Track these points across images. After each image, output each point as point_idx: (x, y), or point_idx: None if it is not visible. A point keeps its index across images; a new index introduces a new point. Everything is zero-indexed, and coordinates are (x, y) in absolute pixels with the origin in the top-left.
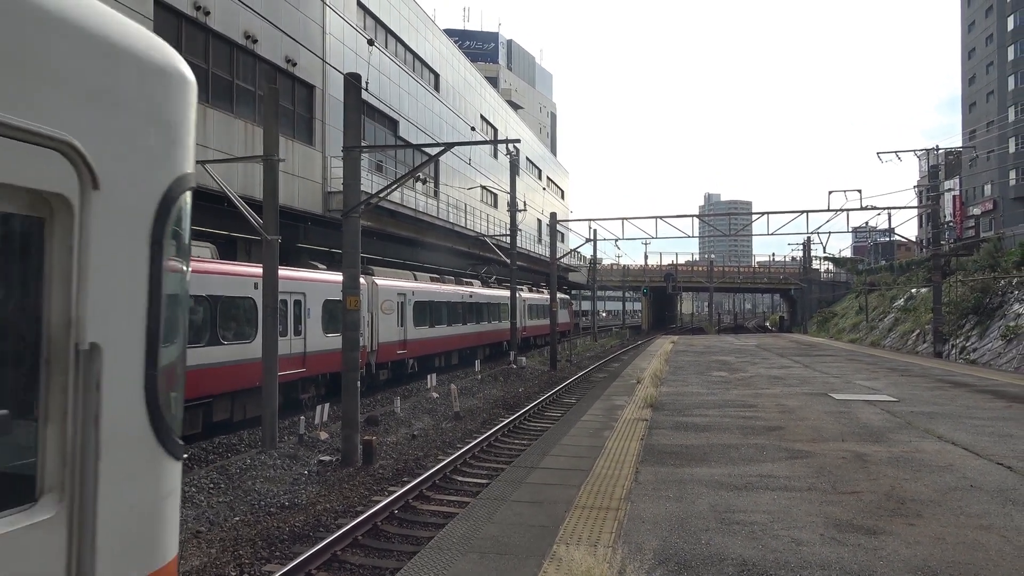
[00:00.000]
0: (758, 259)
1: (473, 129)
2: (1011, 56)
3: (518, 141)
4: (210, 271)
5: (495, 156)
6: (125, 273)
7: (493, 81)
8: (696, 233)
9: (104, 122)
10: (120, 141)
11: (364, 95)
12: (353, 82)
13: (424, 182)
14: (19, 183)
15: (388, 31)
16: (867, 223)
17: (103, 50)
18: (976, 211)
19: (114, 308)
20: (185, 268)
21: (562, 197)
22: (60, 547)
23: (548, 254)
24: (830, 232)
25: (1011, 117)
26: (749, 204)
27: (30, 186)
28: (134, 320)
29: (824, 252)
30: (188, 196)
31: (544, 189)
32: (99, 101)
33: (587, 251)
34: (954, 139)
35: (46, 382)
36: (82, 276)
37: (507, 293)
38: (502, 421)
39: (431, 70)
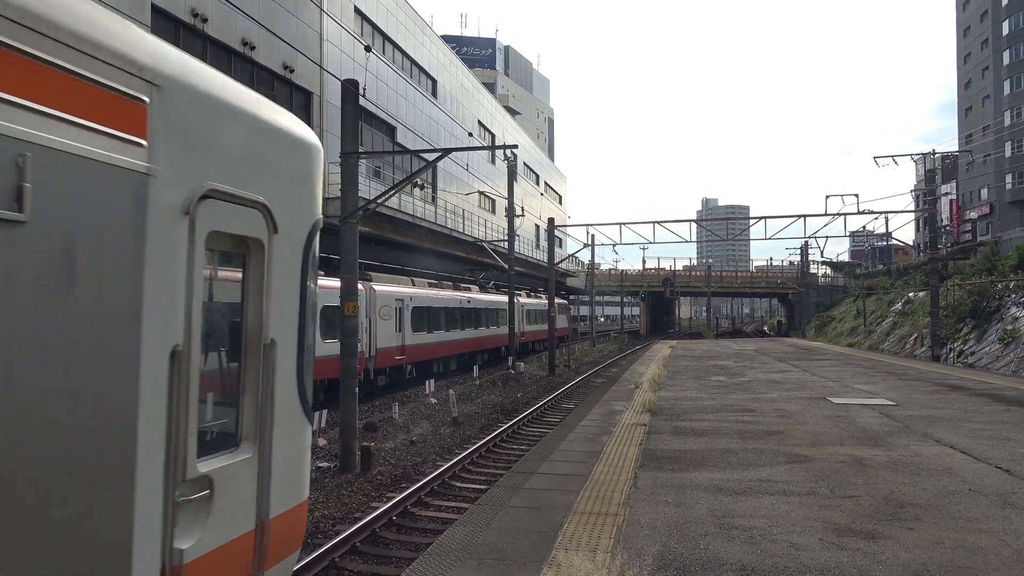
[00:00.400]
0: (756, 264)
1: (471, 135)
2: (1006, 60)
3: (516, 147)
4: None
5: (493, 162)
6: (288, 290)
7: (490, 87)
8: (694, 238)
9: (279, 187)
10: (286, 199)
11: (362, 101)
12: (351, 88)
13: (422, 188)
14: (238, 232)
15: (385, 37)
16: (864, 227)
17: (282, 140)
18: (973, 215)
19: (282, 314)
20: (314, 285)
21: (560, 202)
22: (253, 478)
23: (546, 259)
24: (828, 236)
25: (1007, 121)
26: (747, 208)
27: (243, 234)
28: (291, 323)
29: (822, 256)
30: (319, 233)
31: (542, 195)
32: (277, 173)
33: (585, 256)
34: (949, 144)
35: (245, 366)
36: (267, 293)
37: (505, 298)
38: (501, 426)
39: (428, 76)
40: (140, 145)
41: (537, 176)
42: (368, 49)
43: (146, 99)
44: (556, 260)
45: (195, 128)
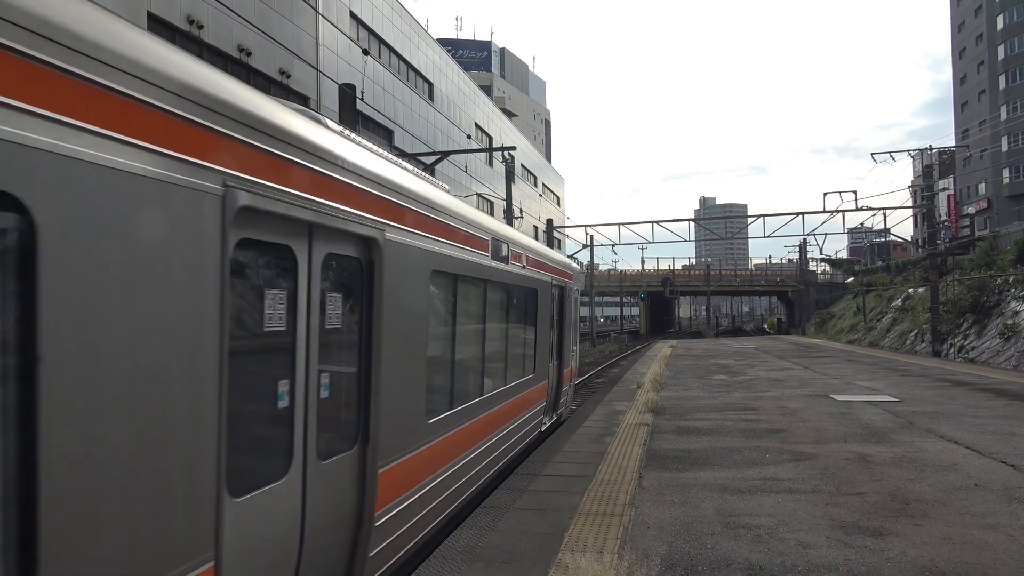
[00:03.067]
0: (755, 262)
1: (469, 137)
2: (1002, 55)
3: (513, 148)
4: None
5: (490, 164)
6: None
7: (487, 89)
8: (692, 237)
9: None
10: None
11: (359, 105)
12: (348, 92)
13: None
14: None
15: (382, 42)
16: (863, 224)
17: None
18: (971, 210)
19: (556, 320)
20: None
21: (558, 204)
22: (560, 362)
23: None
24: (826, 233)
25: (1003, 116)
26: (744, 207)
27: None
28: (557, 325)
29: (821, 254)
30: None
31: (540, 196)
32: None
33: (584, 257)
34: (945, 140)
35: (553, 337)
36: (566, 313)
37: None
38: None
39: (425, 80)
40: None
41: (535, 178)
42: (366, 53)
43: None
44: None
45: None
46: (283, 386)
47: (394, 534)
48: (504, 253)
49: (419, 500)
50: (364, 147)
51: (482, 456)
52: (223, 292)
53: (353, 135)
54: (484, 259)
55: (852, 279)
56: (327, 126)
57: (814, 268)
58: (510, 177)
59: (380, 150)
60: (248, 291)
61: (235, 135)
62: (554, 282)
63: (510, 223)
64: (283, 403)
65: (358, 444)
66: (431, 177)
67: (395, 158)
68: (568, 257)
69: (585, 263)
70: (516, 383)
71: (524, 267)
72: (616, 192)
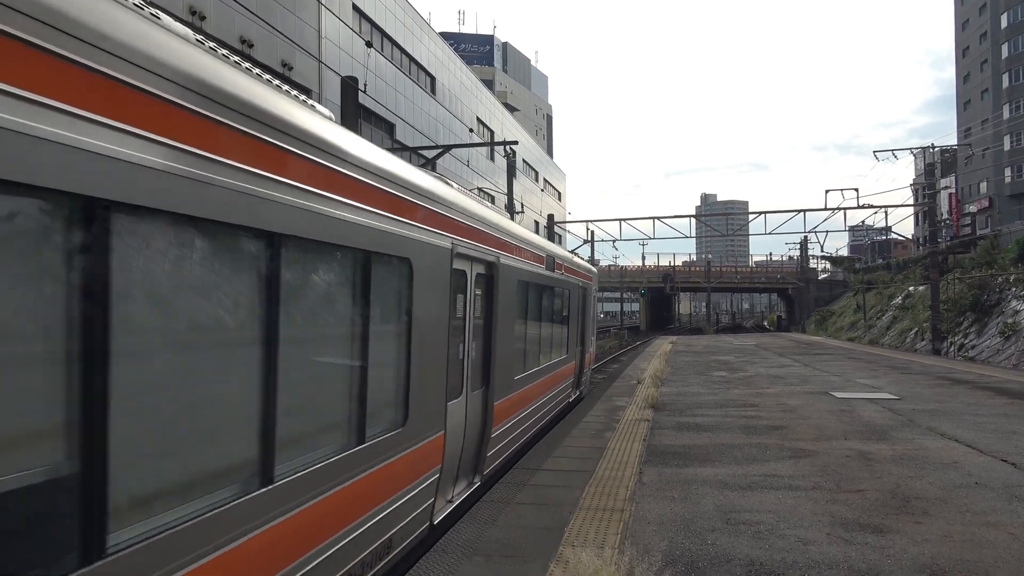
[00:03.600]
0: (755, 259)
1: (471, 131)
2: (1005, 54)
3: (515, 143)
4: None
5: (492, 158)
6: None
7: (489, 84)
8: (693, 233)
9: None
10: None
11: (361, 98)
12: (351, 84)
13: None
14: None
15: (384, 35)
16: (864, 222)
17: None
18: (972, 209)
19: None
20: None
21: (559, 199)
22: (584, 348)
23: None
24: (827, 231)
25: (1006, 115)
26: (746, 204)
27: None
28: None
29: (821, 251)
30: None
31: (541, 191)
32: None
33: (585, 252)
34: (947, 138)
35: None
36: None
37: None
38: None
39: (427, 73)
40: None
41: (536, 173)
42: (369, 45)
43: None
44: None
45: None
46: (461, 349)
47: (498, 445)
48: (552, 264)
49: (509, 427)
50: (487, 206)
51: (539, 408)
52: (450, 295)
53: (485, 202)
54: (542, 270)
55: (852, 276)
56: (481, 201)
57: (815, 265)
58: (511, 172)
59: (491, 207)
60: (454, 295)
61: (457, 219)
62: (581, 284)
63: (511, 218)
64: (461, 357)
65: (485, 386)
66: (512, 220)
67: (501, 209)
68: (570, 252)
69: (586, 258)
70: (558, 359)
71: (563, 274)
72: (617, 188)
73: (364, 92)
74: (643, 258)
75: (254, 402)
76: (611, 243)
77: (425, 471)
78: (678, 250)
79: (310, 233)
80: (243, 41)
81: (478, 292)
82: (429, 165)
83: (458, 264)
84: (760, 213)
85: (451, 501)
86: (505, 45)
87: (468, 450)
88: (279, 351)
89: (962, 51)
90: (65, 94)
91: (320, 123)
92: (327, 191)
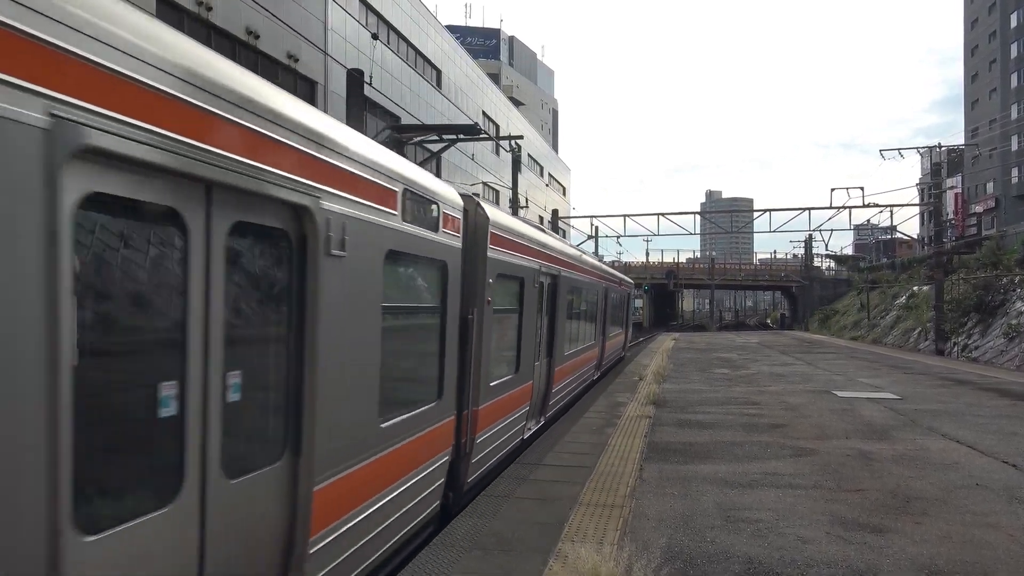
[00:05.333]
0: (759, 256)
1: (476, 125)
2: (1014, 53)
3: (520, 137)
4: None
5: (497, 153)
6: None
7: (495, 78)
8: (698, 230)
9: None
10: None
11: (366, 91)
12: (356, 77)
13: None
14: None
15: (390, 27)
16: (869, 221)
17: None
18: (978, 209)
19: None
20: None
21: (564, 194)
22: (602, 341)
23: None
24: (832, 229)
25: (1014, 115)
26: (751, 201)
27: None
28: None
29: (826, 249)
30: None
31: (547, 186)
32: None
33: (589, 248)
34: (954, 137)
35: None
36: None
37: None
38: None
39: (433, 66)
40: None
41: (541, 168)
42: (375, 37)
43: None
44: None
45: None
46: (539, 331)
47: (555, 398)
48: (616, 280)
49: (562, 387)
50: (555, 237)
51: (580, 376)
52: (536, 298)
53: (553, 234)
54: (586, 277)
55: (856, 275)
56: (551, 234)
57: (819, 264)
58: (516, 166)
59: (556, 236)
60: (539, 297)
61: (542, 250)
62: (613, 287)
63: (515, 213)
64: (539, 336)
65: (549, 356)
66: (570, 245)
67: (563, 238)
68: (575, 248)
69: (590, 254)
70: (614, 335)
71: (619, 284)
72: (621, 184)
73: (370, 84)
74: (647, 254)
75: (488, 350)
76: (615, 239)
77: (525, 402)
78: (682, 247)
79: (513, 271)
80: (249, 32)
81: (547, 295)
82: (434, 159)
83: (540, 278)
84: (765, 211)
85: (530, 428)
86: (512, 39)
87: (539, 396)
88: (491, 328)
89: (971, 50)
90: None
91: (535, 233)
92: (526, 257)
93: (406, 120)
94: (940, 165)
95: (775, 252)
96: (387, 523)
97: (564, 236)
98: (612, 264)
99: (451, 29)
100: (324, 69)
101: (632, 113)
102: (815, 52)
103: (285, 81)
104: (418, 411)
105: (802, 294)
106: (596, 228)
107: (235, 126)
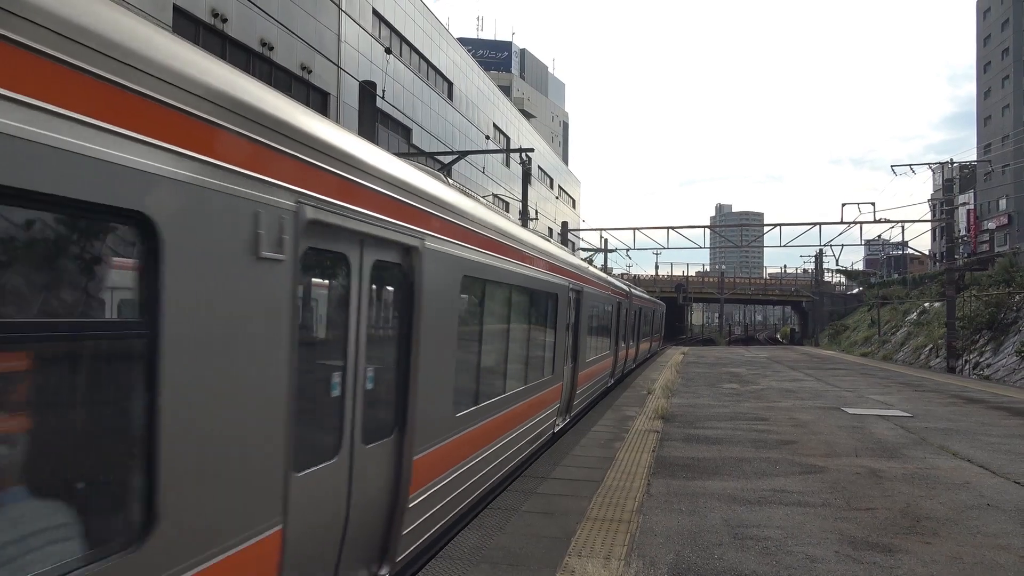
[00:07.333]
0: (769, 271)
1: (487, 138)
2: None
3: (531, 150)
4: None
5: (508, 165)
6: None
7: (506, 90)
8: (707, 244)
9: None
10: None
11: (378, 103)
12: (369, 89)
13: None
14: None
15: (403, 39)
16: (880, 236)
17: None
18: (991, 225)
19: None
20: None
21: (574, 206)
22: (614, 353)
23: None
24: (843, 245)
25: None
26: (761, 215)
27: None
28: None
29: (836, 265)
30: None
31: (556, 198)
32: None
33: (598, 260)
34: (966, 154)
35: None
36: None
37: None
38: None
39: (445, 79)
40: None
41: (551, 180)
42: (388, 51)
43: None
44: None
45: None
46: (567, 338)
47: (579, 398)
48: (652, 303)
49: (584, 388)
50: (582, 259)
51: (599, 380)
52: (565, 310)
53: (577, 255)
54: (653, 304)
55: (867, 290)
56: (579, 256)
57: (829, 279)
58: (527, 179)
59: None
60: (567, 309)
61: (571, 271)
62: (657, 309)
63: (525, 225)
64: (567, 343)
65: (574, 362)
66: (590, 265)
67: (591, 261)
68: (582, 260)
69: (599, 267)
70: (649, 339)
71: (654, 305)
72: (631, 197)
73: (382, 98)
74: (656, 267)
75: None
76: (625, 252)
77: (556, 400)
78: (692, 260)
79: (534, 285)
80: (264, 44)
81: (572, 307)
82: (445, 171)
83: (569, 294)
84: (775, 225)
85: (558, 424)
86: (523, 52)
87: (566, 396)
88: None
89: (983, 67)
90: None
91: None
92: (588, 285)
93: (417, 131)
94: (952, 181)
95: (785, 267)
96: (458, 491)
97: (573, 248)
98: (621, 277)
99: (463, 42)
100: (337, 81)
101: (642, 126)
102: (828, 68)
103: (298, 92)
104: (482, 404)
105: (812, 309)
106: (605, 241)
107: (381, 196)
